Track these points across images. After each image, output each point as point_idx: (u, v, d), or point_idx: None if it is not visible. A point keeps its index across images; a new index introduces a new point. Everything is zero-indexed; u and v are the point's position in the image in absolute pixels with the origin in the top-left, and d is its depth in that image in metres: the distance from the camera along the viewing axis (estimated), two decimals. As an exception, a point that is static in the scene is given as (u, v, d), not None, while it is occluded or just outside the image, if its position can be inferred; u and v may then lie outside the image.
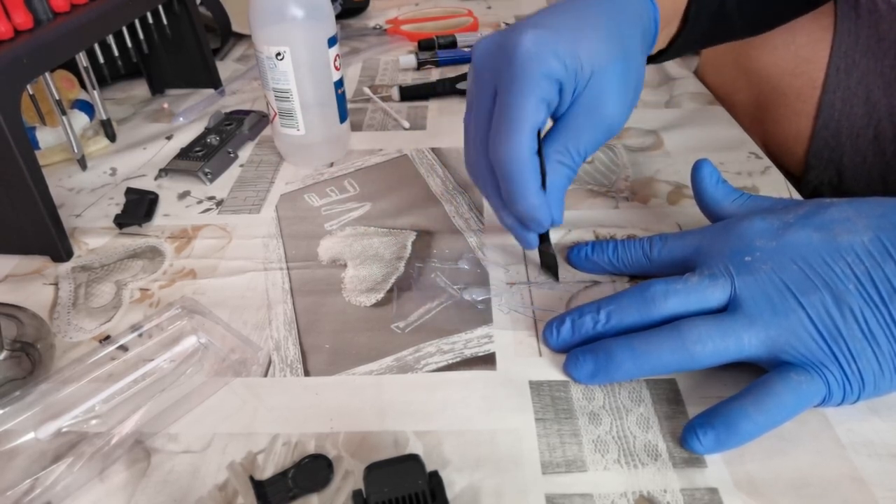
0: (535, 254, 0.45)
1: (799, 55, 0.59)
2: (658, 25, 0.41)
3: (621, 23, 0.38)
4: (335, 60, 0.53)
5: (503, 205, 0.39)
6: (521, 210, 0.37)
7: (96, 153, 0.60)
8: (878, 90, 0.56)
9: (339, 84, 0.54)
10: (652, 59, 0.47)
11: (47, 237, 0.45)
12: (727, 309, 0.33)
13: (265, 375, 0.37)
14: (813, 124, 0.60)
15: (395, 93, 0.68)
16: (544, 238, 0.41)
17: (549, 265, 0.42)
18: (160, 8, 0.60)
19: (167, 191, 0.54)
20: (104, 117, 0.57)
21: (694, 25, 0.45)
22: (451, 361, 0.37)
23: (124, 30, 0.57)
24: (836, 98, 0.58)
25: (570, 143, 0.37)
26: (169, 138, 0.62)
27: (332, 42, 0.52)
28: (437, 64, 0.77)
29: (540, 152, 0.37)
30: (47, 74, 0.48)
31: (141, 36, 0.59)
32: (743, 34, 0.49)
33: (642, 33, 0.40)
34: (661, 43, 0.45)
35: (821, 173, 0.61)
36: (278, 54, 0.50)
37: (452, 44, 0.80)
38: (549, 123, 0.39)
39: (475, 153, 0.39)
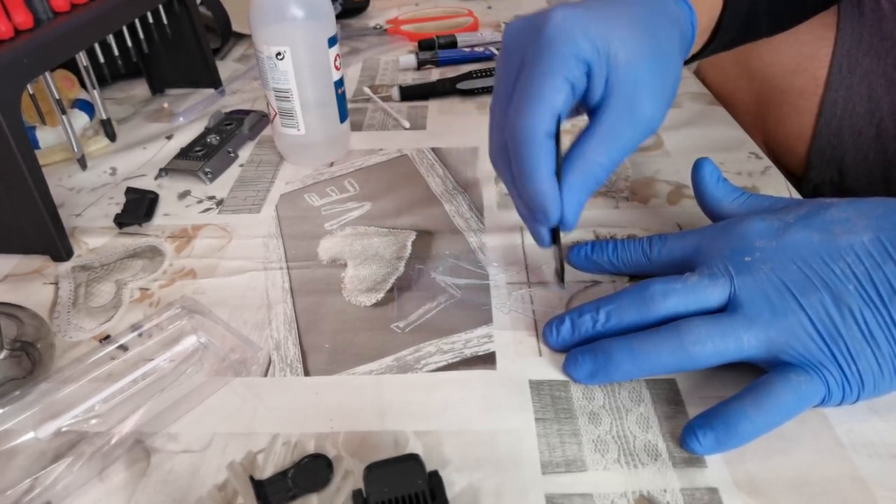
0: (534, 254, 0.45)
1: (802, 53, 0.59)
2: (695, 30, 0.40)
3: (659, 22, 0.37)
4: (335, 60, 0.53)
5: (518, 192, 0.37)
6: (528, 195, 0.35)
7: (96, 153, 0.60)
8: (880, 88, 0.56)
9: (340, 84, 0.54)
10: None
11: (47, 237, 0.45)
12: (726, 309, 0.33)
13: (265, 375, 0.37)
14: (815, 122, 0.60)
15: (396, 93, 0.68)
16: (556, 238, 0.39)
17: (557, 269, 0.42)
18: (160, 8, 0.60)
19: (167, 190, 0.54)
20: (104, 117, 0.57)
21: (726, 33, 0.44)
22: (450, 361, 0.37)
23: (124, 29, 0.57)
24: (839, 96, 0.58)
25: (609, 142, 0.35)
26: (169, 138, 0.62)
27: (332, 42, 0.52)
28: (438, 64, 0.77)
29: (558, 138, 0.35)
30: (47, 74, 0.48)
31: (141, 35, 0.59)
32: (764, 35, 0.49)
33: (680, 35, 0.38)
34: (694, 48, 0.43)
35: (822, 172, 0.61)
36: (278, 54, 0.50)
37: (452, 44, 0.80)
38: (584, 121, 0.37)
39: (495, 136, 0.38)
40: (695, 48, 0.43)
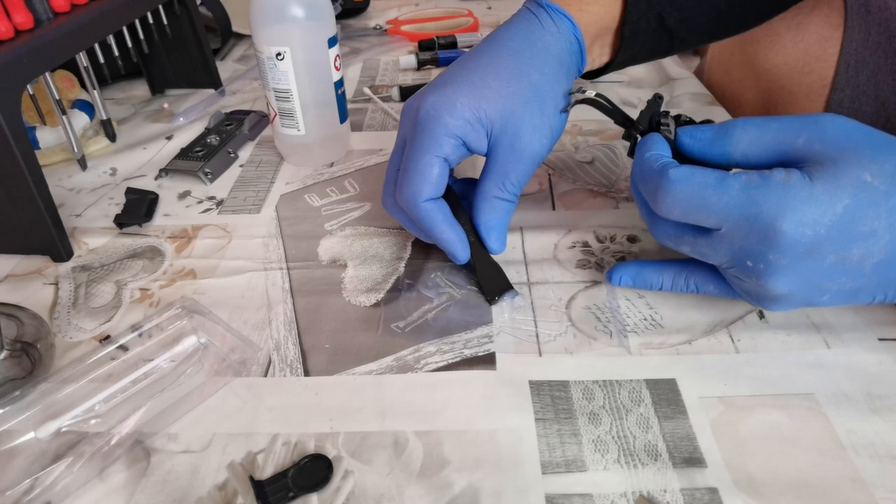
0: (535, 254, 0.45)
1: (808, 53, 0.59)
2: (582, 43, 0.43)
3: (529, 59, 0.41)
4: (335, 60, 0.53)
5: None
6: (435, 241, 0.41)
7: (96, 153, 0.60)
8: (887, 88, 0.55)
9: (340, 84, 0.54)
10: (599, 73, 0.48)
11: (47, 237, 0.45)
12: None
13: (265, 375, 0.37)
14: None
15: (396, 93, 0.68)
16: (476, 256, 0.41)
17: (484, 282, 0.41)
18: (160, 8, 0.60)
19: (167, 191, 0.54)
20: (104, 117, 0.57)
21: (632, 43, 0.45)
22: (451, 361, 0.37)
23: (124, 30, 0.57)
24: (845, 96, 0.58)
25: (501, 179, 0.40)
26: (169, 138, 0.62)
27: (332, 42, 0.52)
28: (438, 64, 0.77)
29: (448, 195, 0.41)
30: (47, 74, 0.48)
31: (141, 36, 0.59)
32: (700, 42, 0.50)
33: (558, 59, 0.41)
34: (604, 55, 0.46)
35: None
36: (278, 54, 0.50)
37: (453, 44, 0.80)
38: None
39: (387, 193, 0.43)
40: (603, 56, 0.46)
